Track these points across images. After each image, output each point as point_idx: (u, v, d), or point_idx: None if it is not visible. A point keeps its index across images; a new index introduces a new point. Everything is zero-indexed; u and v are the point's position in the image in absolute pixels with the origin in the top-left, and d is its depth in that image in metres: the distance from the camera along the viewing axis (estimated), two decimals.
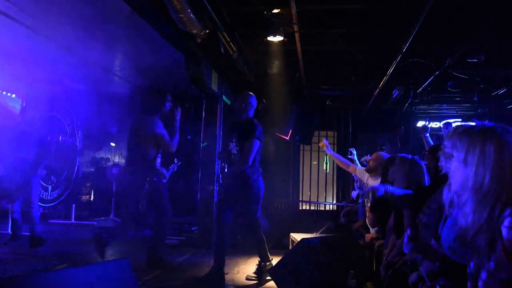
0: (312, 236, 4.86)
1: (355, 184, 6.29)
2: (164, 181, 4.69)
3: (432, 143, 4.29)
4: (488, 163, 1.37)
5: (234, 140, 4.16)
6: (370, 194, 3.46)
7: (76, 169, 7.80)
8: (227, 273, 4.12)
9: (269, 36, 4.29)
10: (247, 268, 4.58)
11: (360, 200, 5.07)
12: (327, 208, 8.72)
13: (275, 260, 3.81)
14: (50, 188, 7.03)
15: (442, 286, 1.90)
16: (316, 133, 7.97)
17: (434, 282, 1.93)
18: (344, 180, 8.51)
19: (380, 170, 3.93)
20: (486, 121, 1.48)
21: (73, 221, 7.59)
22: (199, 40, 4.29)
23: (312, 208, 8.73)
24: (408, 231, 1.87)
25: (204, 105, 6.18)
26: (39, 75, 6.39)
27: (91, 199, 9.20)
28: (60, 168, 7.40)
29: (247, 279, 4.12)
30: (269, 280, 3.92)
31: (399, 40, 4.61)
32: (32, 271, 3.70)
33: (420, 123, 8.24)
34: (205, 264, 4.54)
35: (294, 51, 5.15)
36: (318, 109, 8.07)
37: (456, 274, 1.53)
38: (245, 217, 4.36)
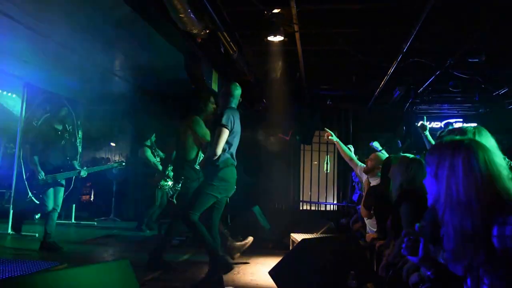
0: (313, 236, 4.86)
1: (356, 186, 6.28)
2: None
3: (433, 142, 4.28)
4: (457, 175, 1.38)
5: None
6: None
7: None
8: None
9: (269, 36, 4.29)
10: (247, 268, 4.58)
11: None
12: (328, 208, 8.71)
13: (275, 260, 3.80)
14: None
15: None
16: (316, 133, 7.97)
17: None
18: (344, 180, 8.50)
19: (377, 170, 3.95)
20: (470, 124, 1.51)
21: (73, 221, 7.59)
22: (199, 40, 4.28)
23: (313, 208, 8.72)
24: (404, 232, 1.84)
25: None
26: (39, 75, 6.40)
27: (91, 199, 9.21)
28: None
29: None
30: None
31: (400, 40, 4.61)
32: (32, 271, 3.69)
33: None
34: (205, 264, 4.53)
35: (294, 51, 5.14)
36: (318, 109, 8.07)
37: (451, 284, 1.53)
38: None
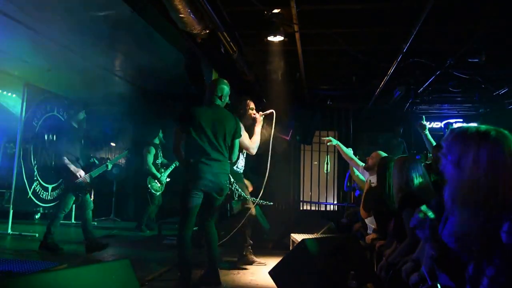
0: (313, 236, 4.85)
1: (352, 188, 6.32)
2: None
3: (433, 141, 4.28)
4: (481, 167, 1.35)
5: None
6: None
7: None
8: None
9: (269, 36, 4.29)
10: (247, 268, 4.57)
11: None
12: (328, 208, 8.71)
13: (275, 261, 3.80)
14: (50, 188, 7.03)
15: (444, 287, 1.89)
16: (316, 133, 7.97)
17: (435, 282, 1.92)
18: (345, 181, 8.49)
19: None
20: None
21: (73, 221, 7.59)
22: (199, 40, 4.28)
23: (313, 208, 8.72)
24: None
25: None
26: (39, 75, 6.39)
27: (91, 199, 9.19)
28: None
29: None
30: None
31: (400, 40, 4.61)
32: (32, 271, 3.68)
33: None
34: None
35: (294, 51, 5.14)
36: (318, 109, 8.06)
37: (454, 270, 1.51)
38: None
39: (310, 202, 8.69)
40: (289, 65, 5.67)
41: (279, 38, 4.29)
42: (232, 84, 6.79)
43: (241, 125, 3.81)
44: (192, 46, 4.64)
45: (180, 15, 3.54)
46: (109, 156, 9.81)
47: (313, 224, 5.98)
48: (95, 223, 7.63)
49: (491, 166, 1.34)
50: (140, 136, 8.24)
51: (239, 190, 4.38)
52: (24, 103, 6.30)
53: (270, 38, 4.33)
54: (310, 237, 4.61)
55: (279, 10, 4.01)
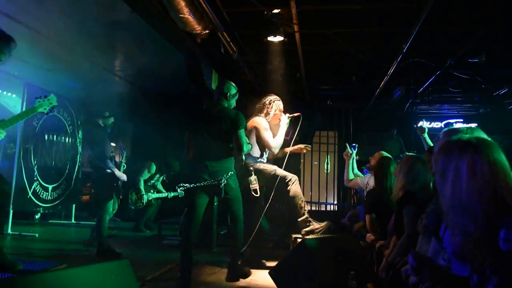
0: (313, 236, 4.85)
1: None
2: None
3: (431, 143, 4.29)
4: (462, 177, 1.36)
5: None
6: None
7: (76, 169, 7.79)
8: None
9: (269, 36, 4.28)
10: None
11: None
12: (328, 208, 8.71)
13: (275, 260, 3.80)
14: (50, 188, 7.03)
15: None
16: (316, 133, 7.97)
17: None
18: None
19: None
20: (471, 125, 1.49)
21: (73, 221, 7.59)
22: (199, 40, 4.28)
23: (313, 208, 8.71)
24: (411, 253, 1.71)
25: (203, 105, 6.18)
26: (39, 75, 6.39)
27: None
28: (61, 168, 7.39)
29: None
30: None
31: (400, 40, 4.61)
32: (33, 271, 3.69)
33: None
34: (205, 264, 4.53)
35: (295, 51, 5.14)
36: (319, 109, 8.06)
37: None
38: None
39: (310, 202, 8.68)
40: (289, 65, 5.67)
41: (279, 38, 4.29)
42: None
43: (242, 117, 3.72)
44: (192, 46, 4.64)
45: (180, 15, 3.54)
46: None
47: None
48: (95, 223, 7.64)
49: (472, 174, 1.35)
50: (140, 136, 8.25)
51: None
52: (24, 103, 6.30)
53: (270, 38, 4.33)
54: (310, 237, 4.61)
55: (279, 10, 4.01)
